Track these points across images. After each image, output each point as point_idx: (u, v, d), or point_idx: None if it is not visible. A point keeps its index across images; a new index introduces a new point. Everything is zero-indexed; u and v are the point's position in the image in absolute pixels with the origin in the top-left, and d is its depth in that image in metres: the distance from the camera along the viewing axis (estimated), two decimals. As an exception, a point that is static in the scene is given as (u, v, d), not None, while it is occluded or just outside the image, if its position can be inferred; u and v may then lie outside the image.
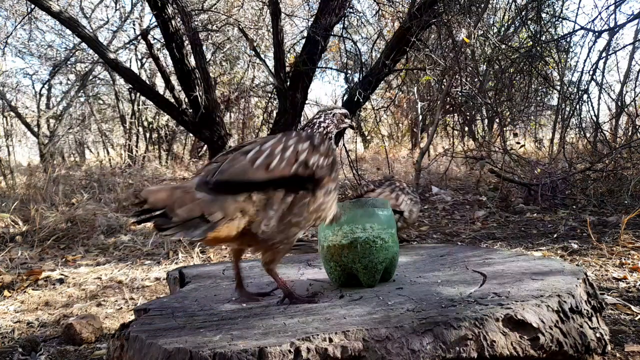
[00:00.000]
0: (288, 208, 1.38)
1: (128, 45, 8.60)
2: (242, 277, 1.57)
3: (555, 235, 3.55)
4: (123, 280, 3.08)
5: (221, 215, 1.29)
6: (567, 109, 5.08)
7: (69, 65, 8.50)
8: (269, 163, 1.34)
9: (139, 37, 7.78)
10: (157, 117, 9.23)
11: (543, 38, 5.07)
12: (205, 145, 6.32)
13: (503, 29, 5.81)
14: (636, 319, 1.99)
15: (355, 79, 5.45)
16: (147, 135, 9.39)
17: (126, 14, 8.76)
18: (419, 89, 7.89)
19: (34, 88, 9.38)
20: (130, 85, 7.29)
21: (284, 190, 1.37)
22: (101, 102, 10.23)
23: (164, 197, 1.25)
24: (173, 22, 4.34)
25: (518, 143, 6.32)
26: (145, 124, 9.30)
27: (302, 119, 5.35)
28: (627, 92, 6.52)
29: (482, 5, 4.57)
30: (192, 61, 4.54)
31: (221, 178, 1.30)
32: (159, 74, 6.29)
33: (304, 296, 1.51)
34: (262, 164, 1.34)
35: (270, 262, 1.46)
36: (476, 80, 5.33)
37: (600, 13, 4.57)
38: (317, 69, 5.55)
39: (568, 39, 5.39)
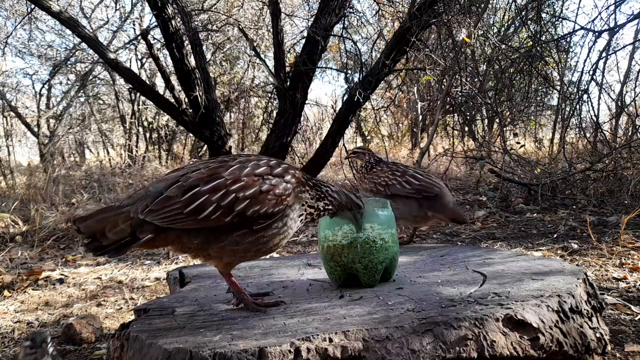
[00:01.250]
0: (219, 239, 1.38)
1: (128, 45, 8.59)
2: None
3: (555, 235, 3.55)
4: (123, 280, 3.08)
5: (151, 232, 1.32)
6: (567, 109, 5.07)
7: (69, 65, 8.48)
8: (201, 210, 1.32)
9: (139, 37, 7.78)
10: (157, 117, 9.22)
11: (543, 38, 5.07)
12: (205, 145, 6.32)
13: (503, 29, 5.81)
14: (636, 319, 1.99)
15: (355, 79, 5.45)
16: (147, 135, 9.37)
17: (126, 14, 8.76)
18: (419, 89, 7.89)
19: (34, 88, 9.34)
20: (130, 85, 7.29)
21: (216, 229, 1.36)
22: (101, 102, 10.21)
23: (94, 224, 1.29)
24: (173, 22, 4.34)
25: (518, 143, 6.31)
26: (145, 124, 9.29)
27: (301, 118, 5.34)
28: (627, 92, 6.51)
29: (482, 5, 4.57)
30: (192, 61, 4.54)
31: (148, 219, 1.32)
32: (159, 74, 6.28)
33: (262, 303, 1.48)
34: (193, 210, 1.32)
35: (219, 266, 1.47)
36: (476, 80, 5.32)
37: (600, 13, 4.56)
38: (317, 69, 5.55)
39: (568, 39, 5.39)
